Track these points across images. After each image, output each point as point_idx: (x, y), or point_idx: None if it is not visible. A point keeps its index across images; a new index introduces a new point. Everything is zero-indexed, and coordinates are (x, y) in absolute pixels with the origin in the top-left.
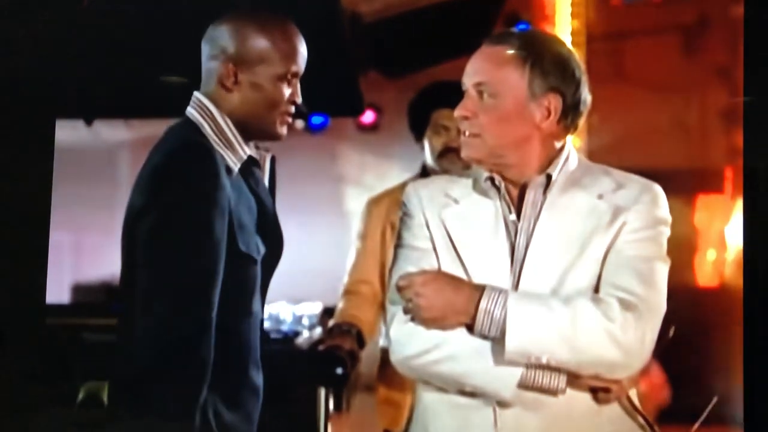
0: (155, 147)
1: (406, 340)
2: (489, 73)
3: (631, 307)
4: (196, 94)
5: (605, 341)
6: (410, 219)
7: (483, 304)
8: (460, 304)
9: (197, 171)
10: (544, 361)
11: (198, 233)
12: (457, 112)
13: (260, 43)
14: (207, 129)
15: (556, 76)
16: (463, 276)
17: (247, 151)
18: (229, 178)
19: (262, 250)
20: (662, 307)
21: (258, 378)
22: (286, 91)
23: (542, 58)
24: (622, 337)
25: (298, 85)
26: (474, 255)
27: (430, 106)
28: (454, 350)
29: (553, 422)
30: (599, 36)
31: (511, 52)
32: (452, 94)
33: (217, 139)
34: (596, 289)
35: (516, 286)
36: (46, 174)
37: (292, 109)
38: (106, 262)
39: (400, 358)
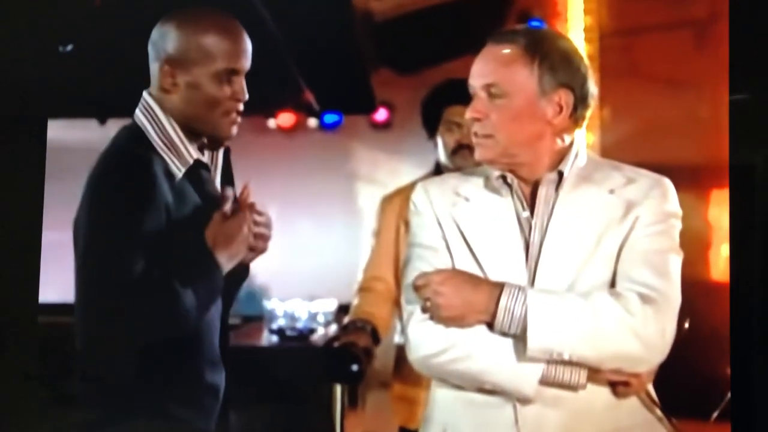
0: (103, 152)
1: (424, 339)
2: (498, 73)
3: (650, 300)
4: (144, 94)
5: (627, 336)
6: (421, 218)
7: (503, 302)
8: (480, 302)
9: (128, 185)
10: (566, 357)
11: (124, 240)
12: (468, 114)
13: (195, 42)
14: (152, 133)
15: (564, 71)
16: (479, 273)
17: (194, 154)
18: (170, 182)
19: None
20: (678, 299)
21: (214, 376)
22: (227, 89)
23: (550, 55)
24: (643, 331)
25: (243, 82)
26: (489, 252)
27: (442, 103)
28: (473, 348)
29: (574, 417)
30: (612, 32)
31: (518, 50)
32: (464, 91)
33: (161, 144)
34: (612, 284)
35: (532, 282)
36: (39, 174)
37: (239, 106)
38: None
39: (418, 357)
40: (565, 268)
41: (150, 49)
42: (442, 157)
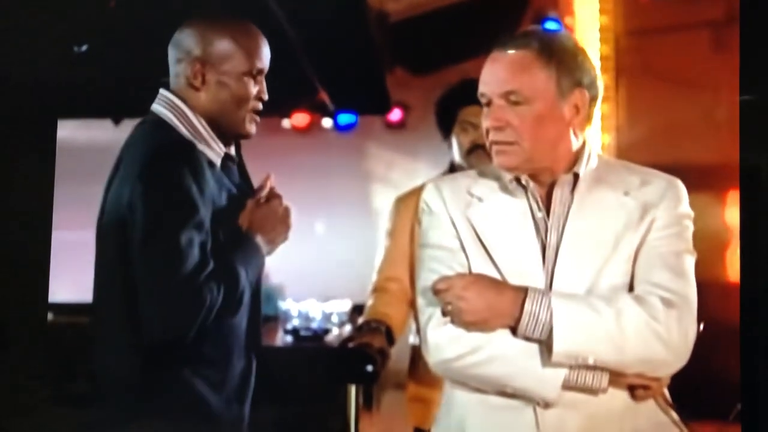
0: (130, 147)
1: (445, 343)
2: (516, 80)
3: (673, 305)
4: (164, 92)
5: (652, 341)
6: (434, 218)
7: (528, 307)
8: (504, 306)
9: (183, 168)
10: (591, 362)
11: (186, 227)
12: (489, 123)
13: (224, 42)
14: (181, 128)
15: (578, 70)
16: (496, 275)
17: (223, 147)
18: (212, 171)
19: None
20: (696, 300)
21: (243, 364)
22: (253, 88)
23: (564, 56)
24: (667, 336)
25: (264, 83)
26: (505, 254)
27: (457, 103)
28: (496, 352)
29: (594, 420)
30: (627, 32)
31: (533, 54)
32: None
33: (192, 138)
34: (630, 286)
35: (550, 284)
36: (49, 174)
37: (260, 106)
38: None
39: (439, 360)
40: (583, 270)
41: (172, 51)
42: (457, 157)
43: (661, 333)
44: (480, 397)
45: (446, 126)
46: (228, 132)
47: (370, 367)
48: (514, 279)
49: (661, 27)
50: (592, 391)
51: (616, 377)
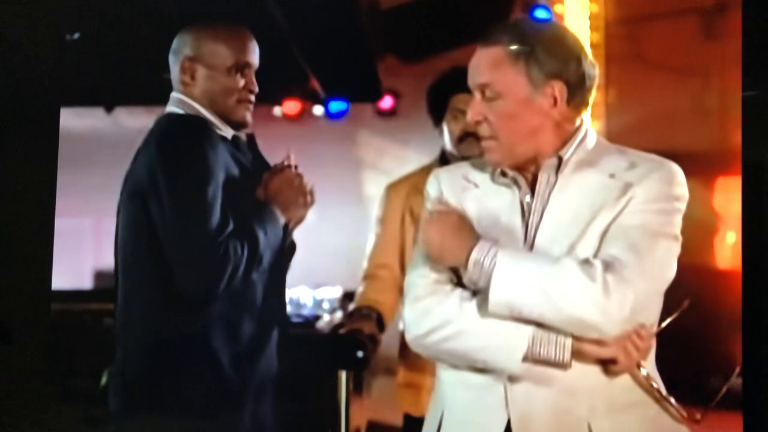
0: (145, 141)
1: (417, 318)
2: (488, 74)
3: (614, 270)
4: (172, 95)
5: (584, 300)
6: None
7: (474, 254)
8: (454, 248)
9: (196, 136)
10: (525, 314)
11: (206, 187)
12: (469, 117)
13: (211, 40)
14: (190, 113)
15: (552, 63)
16: None
17: (231, 130)
18: (224, 144)
19: None
20: (657, 278)
21: (256, 328)
22: (240, 80)
23: (535, 50)
24: (601, 299)
25: (253, 75)
26: (492, 236)
27: (448, 91)
28: (463, 327)
29: (565, 396)
30: (618, 19)
31: (503, 50)
32: None
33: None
34: None
35: None
36: (51, 162)
37: (251, 96)
38: None
39: (413, 336)
40: (557, 248)
41: (171, 57)
42: (448, 145)
43: (593, 294)
44: (460, 376)
45: (437, 113)
46: (224, 120)
47: (360, 353)
48: None
49: (651, 14)
50: (558, 365)
51: (579, 350)
